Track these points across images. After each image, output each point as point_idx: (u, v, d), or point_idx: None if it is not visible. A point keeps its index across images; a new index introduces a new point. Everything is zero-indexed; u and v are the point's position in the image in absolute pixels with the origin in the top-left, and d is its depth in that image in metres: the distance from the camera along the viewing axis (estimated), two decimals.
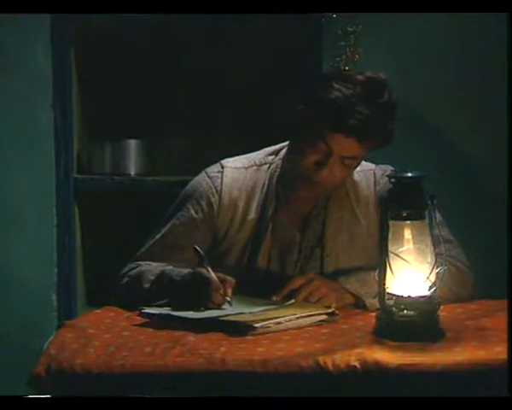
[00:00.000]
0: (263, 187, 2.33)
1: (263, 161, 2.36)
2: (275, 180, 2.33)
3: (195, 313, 2.07)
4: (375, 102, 2.18)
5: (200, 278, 2.12)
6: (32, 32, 2.99)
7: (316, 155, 2.20)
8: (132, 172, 3.34)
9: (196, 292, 2.11)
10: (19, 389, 1.89)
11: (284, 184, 2.32)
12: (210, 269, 2.13)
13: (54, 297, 3.19)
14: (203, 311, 2.07)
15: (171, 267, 2.24)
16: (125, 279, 2.28)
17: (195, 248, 2.19)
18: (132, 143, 3.35)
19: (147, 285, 2.22)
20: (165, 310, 2.11)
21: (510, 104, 2.33)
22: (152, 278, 2.23)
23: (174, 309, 2.10)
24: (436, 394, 1.77)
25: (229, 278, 2.12)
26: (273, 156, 2.37)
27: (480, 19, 2.86)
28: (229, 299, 2.10)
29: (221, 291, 2.10)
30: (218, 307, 2.09)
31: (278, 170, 2.33)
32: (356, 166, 2.28)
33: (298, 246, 2.32)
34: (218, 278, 2.11)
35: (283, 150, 2.36)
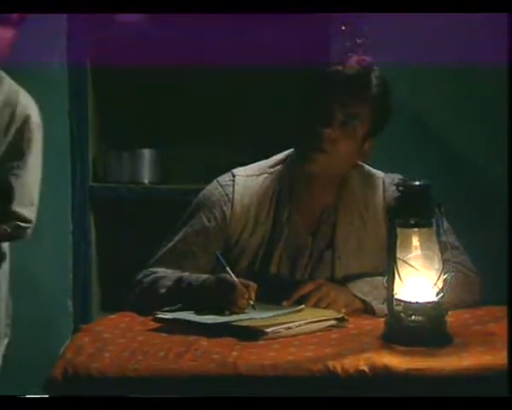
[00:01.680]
0: (274, 193, 2.32)
1: (273, 168, 2.36)
2: (286, 185, 2.33)
3: (208, 317, 2.07)
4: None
5: (225, 283, 2.12)
6: (47, 40, 2.99)
7: (319, 137, 2.21)
8: (146, 181, 3.35)
9: (220, 297, 2.10)
10: (36, 392, 1.89)
11: (295, 184, 2.32)
12: (233, 275, 2.14)
13: (70, 302, 3.20)
14: (222, 316, 2.07)
15: (188, 274, 2.24)
16: (140, 285, 2.28)
17: (216, 255, 2.19)
18: (146, 153, 3.36)
19: (163, 291, 2.22)
20: (179, 315, 2.11)
21: (510, 113, 2.28)
22: (169, 283, 2.23)
23: (189, 314, 2.10)
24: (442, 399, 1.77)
25: (252, 284, 2.13)
26: (282, 163, 2.37)
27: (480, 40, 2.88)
28: (252, 303, 2.11)
29: (246, 296, 2.10)
30: (242, 311, 2.09)
31: (288, 174, 2.33)
32: (360, 136, 2.26)
33: (309, 249, 2.31)
34: (241, 283, 2.12)
35: (291, 155, 2.36)
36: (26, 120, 2.41)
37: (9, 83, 2.40)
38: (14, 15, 2.33)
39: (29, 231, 2.51)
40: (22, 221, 2.45)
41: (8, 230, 2.43)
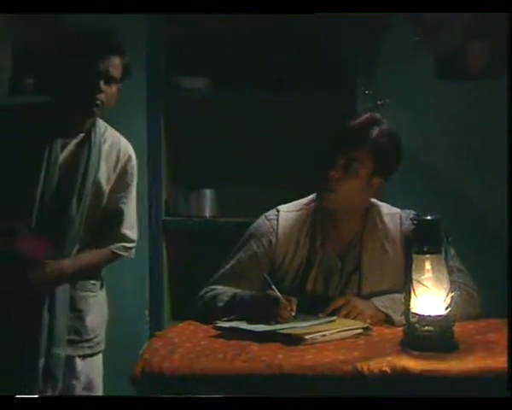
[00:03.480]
0: (308, 225, 2.30)
1: (308, 205, 2.34)
2: (317, 218, 2.30)
3: (258, 326, 2.04)
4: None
5: (272, 298, 2.10)
6: (130, 101, 2.99)
7: (327, 179, 2.20)
8: (208, 215, 3.35)
9: (267, 310, 2.08)
10: (122, 388, 1.88)
11: (323, 218, 2.30)
12: (277, 291, 2.12)
13: (146, 313, 3.20)
14: (269, 325, 2.04)
15: (241, 290, 2.23)
16: (203, 299, 2.27)
17: (265, 276, 2.17)
18: (208, 192, 3.36)
19: (221, 304, 2.20)
20: (234, 324, 2.09)
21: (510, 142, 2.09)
22: (226, 298, 2.21)
23: (242, 323, 2.08)
24: (451, 395, 1.72)
25: (293, 299, 2.11)
26: (314, 201, 2.34)
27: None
28: (294, 314, 2.09)
29: (288, 309, 2.08)
30: (285, 321, 2.06)
31: (318, 210, 2.31)
32: (364, 176, 2.23)
33: (339, 271, 2.28)
34: (285, 298, 2.10)
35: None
36: (129, 159, 2.41)
37: (111, 129, 2.43)
38: (120, 68, 2.28)
39: (133, 251, 2.46)
40: (128, 242, 2.41)
41: (117, 250, 2.39)
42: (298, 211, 2.34)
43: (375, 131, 2.24)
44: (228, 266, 2.32)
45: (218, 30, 3.20)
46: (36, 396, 2.02)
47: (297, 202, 2.38)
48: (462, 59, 3.09)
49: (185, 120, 3.34)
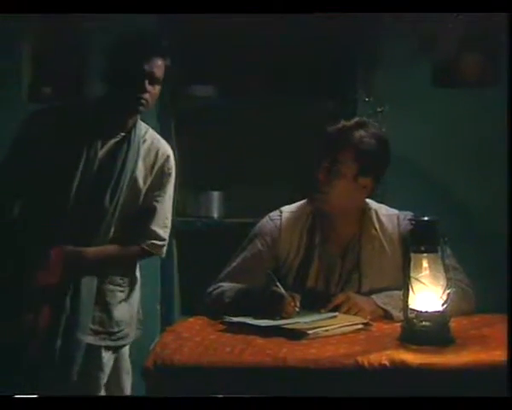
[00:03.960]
0: (308, 225, 2.29)
1: (308, 206, 2.33)
2: (316, 218, 2.30)
3: (263, 321, 2.03)
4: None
5: (276, 294, 2.10)
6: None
7: (316, 182, 2.19)
8: (215, 216, 3.34)
9: (272, 305, 2.08)
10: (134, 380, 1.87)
11: (321, 218, 2.29)
12: (282, 288, 2.11)
13: (158, 307, 3.19)
14: (274, 320, 2.04)
15: (246, 286, 2.22)
16: (210, 296, 2.26)
17: (269, 273, 2.16)
18: (215, 194, 3.36)
19: (228, 300, 2.20)
20: (241, 319, 2.07)
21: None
22: (232, 294, 2.20)
23: (248, 319, 2.06)
24: (447, 387, 1.71)
25: (297, 295, 2.10)
26: (308, 203, 2.34)
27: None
28: (297, 310, 2.08)
29: (292, 304, 2.07)
30: (290, 316, 2.05)
31: (315, 211, 2.30)
32: (350, 176, 2.20)
33: (339, 269, 2.27)
34: (288, 294, 2.09)
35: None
36: (167, 160, 2.40)
37: (151, 131, 2.42)
38: (163, 69, 2.27)
39: (163, 250, 2.42)
40: (158, 240, 2.37)
41: (147, 248, 2.36)
42: (299, 212, 2.33)
43: (359, 132, 2.21)
44: (234, 264, 2.31)
45: (225, 41, 3.20)
46: (36, 396, 1.99)
47: (298, 203, 2.37)
48: (458, 68, 3.08)
49: (194, 126, 3.33)
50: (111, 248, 2.32)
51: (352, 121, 2.25)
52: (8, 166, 2.33)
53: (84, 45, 3.15)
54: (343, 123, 2.24)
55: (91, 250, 2.29)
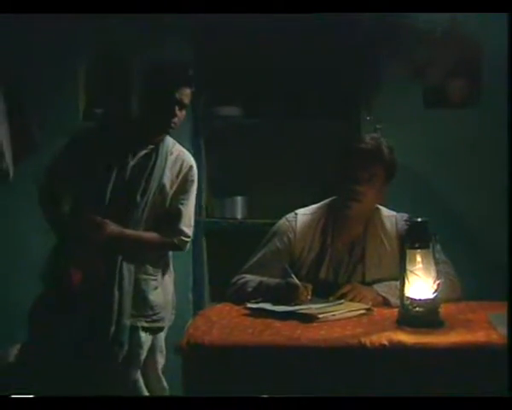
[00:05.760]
0: (321, 225, 2.29)
1: (321, 209, 2.32)
2: (329, 220, 2.29)
3: (280, 307, 2.04)
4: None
5: (291, 285, 2.11)
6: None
7: (354, 192, 2.19)
8: (239, 217, 3.34)
9: (288, 294, 2.09)
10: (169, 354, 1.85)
11: (336, 220, 2.27)
12: (296, 279, 2.11)
13: (190, 295, 3.20)
14: (289, 306, 2.03)
15: (265, 278, 2.22)
16: (235, 286, 2.26)
17: (286, 267, 2.17)
18: (239, 199, 3.36)
19: (250, 290, 2.20)
20: (261, 305, 2.08)
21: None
22: (254, 285, 2.21)
23: (267, 305, 2.07)
24: (438, 364, 1.70)
25: (309, 285, 2.11)
26: (327, 206, 2.33)
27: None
28: (309, 298, 2.09)
29: (305, 293, 2.08)
30: (303, 303, 2.06)
31: (331, 213, 2.29)
32: (378, 187, 2.21)
33: (346, 263, 2.26)
34: (302, 285, 2.10)
35: (334, 201, 2.32)
36: (190, 169, 2.43)
37: (178, 145, 2.46)
38: (190, 96, 2.32)
39: (188, 245, 2.45)
40: (185, 236, 2.40)
41: (176, 242, 2.39)
42: (312, 214, 2.32)
43: (385, 150, 2.23)
44: (255, 259, 2.31)
45: (247, 66, 3.21)
46: (35, 396, 1.98)
47: (312, 206, 2.37)
48: (446, 91, 3.06)
49: (221, 142, 3.34)
50: (146, 234, 2.35)
51: (374, 138, 2.25)
52: (63, 166, 2.38)
53: (125, 73, 3.17)
54: (371, 140, 2.23)
55: (130, 231, 2.32)
